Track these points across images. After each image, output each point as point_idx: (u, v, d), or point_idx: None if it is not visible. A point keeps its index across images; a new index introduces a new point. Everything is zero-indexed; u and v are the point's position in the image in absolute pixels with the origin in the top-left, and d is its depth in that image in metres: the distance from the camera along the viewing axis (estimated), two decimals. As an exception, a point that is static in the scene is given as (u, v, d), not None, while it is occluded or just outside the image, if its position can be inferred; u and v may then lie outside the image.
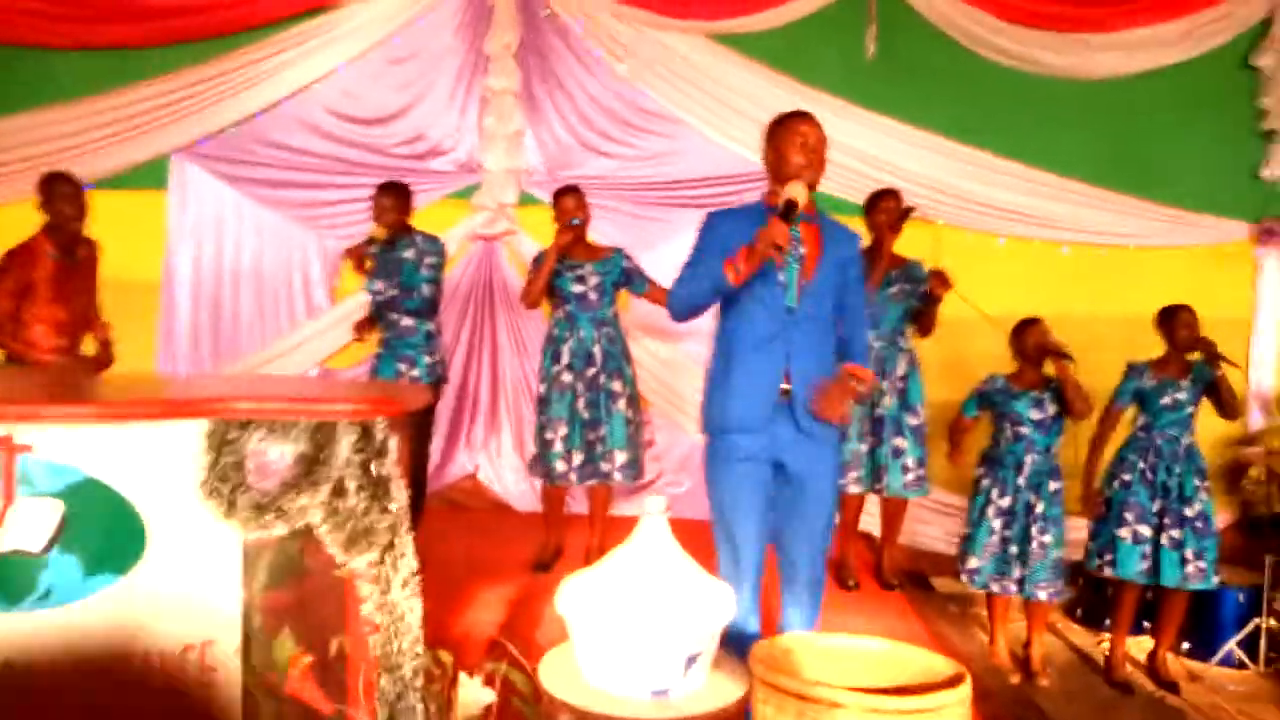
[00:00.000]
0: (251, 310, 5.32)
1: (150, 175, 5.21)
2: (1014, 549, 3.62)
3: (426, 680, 2.10)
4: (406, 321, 4.14)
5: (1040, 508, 3.60)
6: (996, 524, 3.65)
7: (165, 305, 5.27)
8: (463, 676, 2.29)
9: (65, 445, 1.89)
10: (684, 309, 2.56)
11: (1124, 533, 3.70)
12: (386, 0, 5.15)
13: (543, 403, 4.12)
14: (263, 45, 5.15)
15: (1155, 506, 3.69)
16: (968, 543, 3.72)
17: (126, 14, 5.16)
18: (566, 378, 4.04)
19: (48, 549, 1.87)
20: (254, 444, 1.97)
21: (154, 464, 1.94)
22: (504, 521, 5.11)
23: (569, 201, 4.09)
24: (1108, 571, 3.74)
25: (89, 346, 4.08)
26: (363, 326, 4.19)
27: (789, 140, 2.52)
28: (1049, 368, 3.60)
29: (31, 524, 1.87)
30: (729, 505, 2.50)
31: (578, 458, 4.03)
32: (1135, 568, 3.68)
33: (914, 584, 4.41)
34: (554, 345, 4.10)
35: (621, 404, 4.06)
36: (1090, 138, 5.17)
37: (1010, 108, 5.15)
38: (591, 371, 4.05)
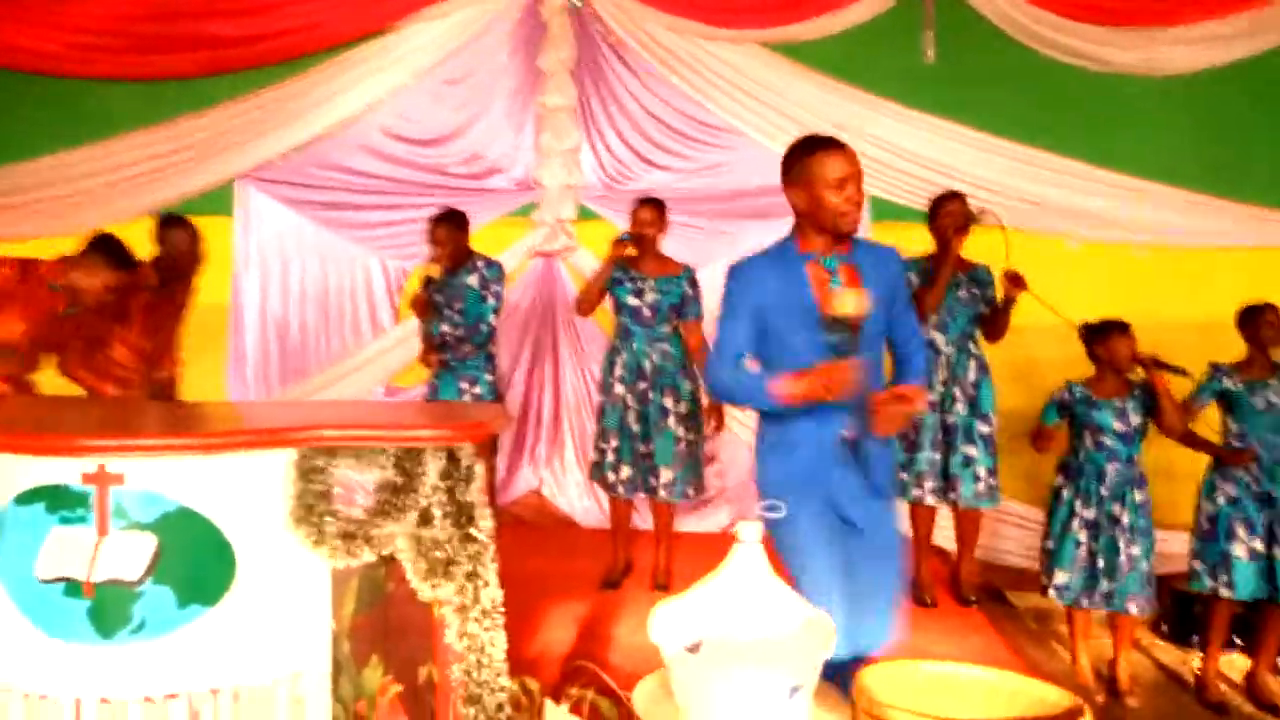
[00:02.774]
0: (317, 331, 5.39)
1: (216, 201, 5.29)
2: (1101, 562, 3.50)
3: (514, 708, 2.08)
4: (468, 346, 4.14)
5: (1126, 519, 3.48)
6: (1082, 536, 3.53)
7: (234, 327, 5.35)
8: (549, 704, 2.26)
9: (157, 476, 1.89)
10: (721, 394, 2.46)
11: (1238, 550, 3.52)
12: (442, 22, 5.18)
13: (599, 412, 4.21)
14: (320, 70, 5.21)
15: (1264, 519, 3.54)
16: (1052, 557, 3.59)
17: (187, 44, 5.25)
18: (619, 390, 4.07)
19: (142, 580, 1.87)
20: (341, 472, 1.96)
21: (243, 493, 1.94)
22: (570, 538, 5.09)
23: (644, 213, 4.07)
24: (1224, 592, 3.54)
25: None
26: (430, 358, 4.19)
27: (822, 179, 2.23)
28: (1134, 374, 3.49)
29: (126, 555, 1.87)
30: (804, 566, 2.29)
31: (626, 470, 4.06)
32: (1253, 586, 3.50)
33: (991, 599, 4.31)
34: (611, 356, 4.15)
35: (672, 421, 4.04)
36: (1161, 135, 5.01)
37: (1076, 107, 5.02)
38: (643, 386, 4.05)
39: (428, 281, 4.11)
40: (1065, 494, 3.60)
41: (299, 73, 5.21)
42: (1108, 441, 3.53)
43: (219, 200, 5.31)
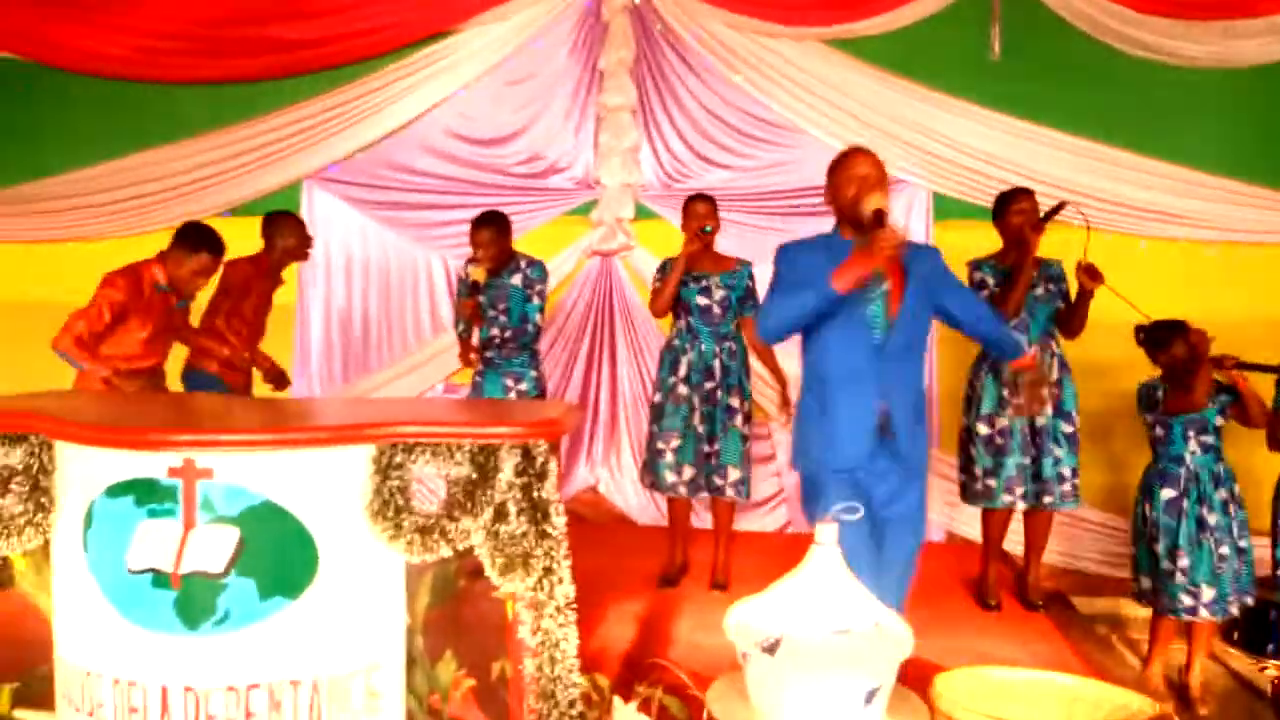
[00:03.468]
0: (380, 327, 5.47)
1: (283, 201, 5.37)
2: (1177, 564, 3.41)
3: (585, 704, 2.09)
4: (515, 346, 4.15)
5: (1213, 520, 3.39)
6: (1209, 542, 3.43)
7: (300, 324, 5.45)
8: (617, 702, 2.27)
9: (242, 470, 1.93)
10: (776, 327, 2.58)
11: None
12: (503, 24, 5.22)
13: (656, 412, 4.12)
14: (385, 73, 5.29)
15: None
16: (1185, 570, 3.44)
17: (253, 48, 5.36)
18: (683, 390, 4.02)
19: (226, 572, 1.91)
20: (419, 468, 1.99)
21: (324, 488, 1.98)
22: (626, 535, 5.10)
23: (700, 207, 4.04)
24: None
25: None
26: (470, 356, 4.20)
27: (845, 177, 2.57)
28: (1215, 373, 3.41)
29: (211, 547, 1.92)
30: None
31: (688, 471, 4.01)
32: None
33: (1057, 604, 4.23)
34: (673, 355, 4.09)
35: (739, 420, 4.01)
36: (1235, 130, 4.89)
37: (1147, 102, 4.91)
38: (710, 385, 4.01)
39: (474, 286, 4.07)
40: (1180, 501, 3.48)
41: (363, 75, 5.29)
42: (1206, 439, 3.45)
43: (286, 201, 5.39)
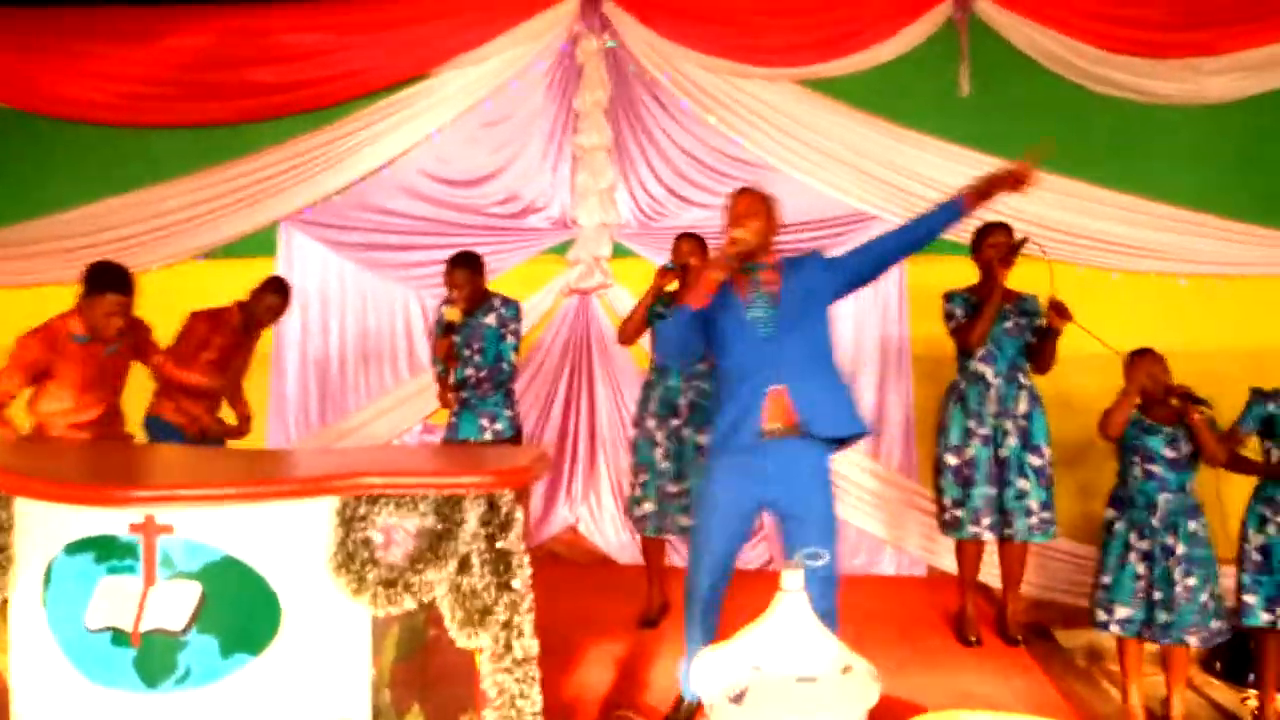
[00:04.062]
0: (357, 369, 5.45)
1: (259, 244, 5.40)
2: (1157, 594, 3.41)
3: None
4: (489, 385, 4.14)
5: (1181, 549, 3.40)
6: (1140, 569, 3.44)
7: (275, 368, 5.43)
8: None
9: (202, 525, 1.92)
10: (662, 345, 3.13)
11: None
12: (479, 67, 5.26)
13: (633, 448, 4.22)
14: (361, 116, 5.30)
15: None
16: (1111, 591, 3.49)
17: (232, 92, 5.38)
18: (650, 424, 4.07)
19: (187, 629, 1.89)
20: (382, 519, 1.98)
21: (287, 542, 1.96)
22: (606, 575, 5.06)
23: (686, 245, 4.07)
24: None
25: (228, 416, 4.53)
26: (447, 397, 4.18)
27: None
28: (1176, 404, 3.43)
29: (171, 604, 1.90)
30: (704, 519, 2.90)
31: (649, 505, 4.06)
32: None
33: (1037, 637, 4.22)
34: (646, 391, 4.16)
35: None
36: (1203, 165, 4.94)
37: (1116, 137, 4.97)
38: (675, 423, 4.04)
39: (449, 326, 4.06)
40: (1118, 526, 3.52)
41: (339, 118, 5.31)
42: (1158, 470, 3.46)
43: (262, 243, 5.42)
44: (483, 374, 4.09)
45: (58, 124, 5.49)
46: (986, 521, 3.93)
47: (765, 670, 1.78)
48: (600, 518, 5.34)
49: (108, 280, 3.64)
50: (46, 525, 1.98)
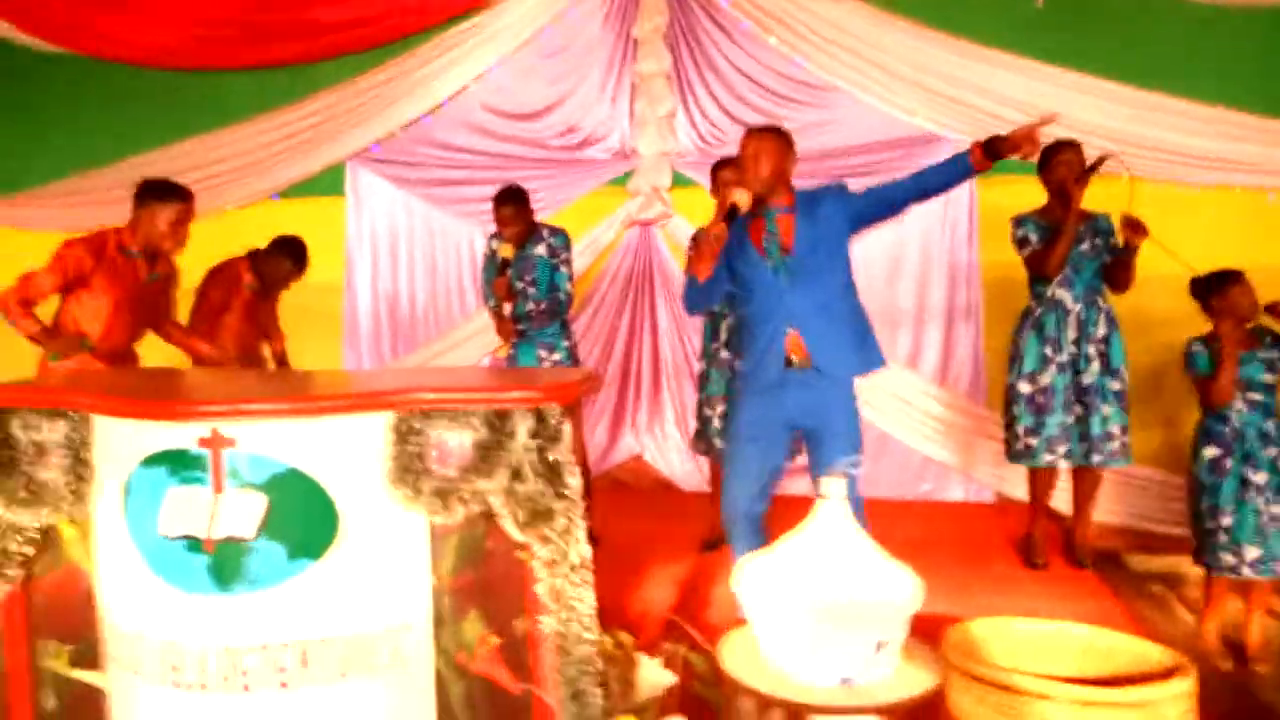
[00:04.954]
0: (426, 304, 5.57)
1: (328, 182, 5.50)
2: (1229, 521, 3.31)
3: (607, 662, 2.12)
4: (548, 317, 4.17)
5: (1260, 479, 3.29)
6: (1259, 503, 3.32)
7: (348, 303, 5.59)
8: (642, 658, 2.31)
9: (266, 439, 2.00)
10: (689, 304, 3.10)
11: None
12: (535, -4, 5.24)
13: (703, 379, 4.20)
14: (420, 51, 5.35)
15: None
16: (1236, 532, 3.34)
17: (294, 31, 5.45)
18: (725, 355, 4.05)
19: (256, 536, 1.98)
20: (436, 433, 2.03)
21: (345, 454, 2.03)
22: (671, 501, 5.14)
23: (727, 174, 4.02)
24: None
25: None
26: (506, 330, 4.21)
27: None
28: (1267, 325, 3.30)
29: (241, 513, 1.99)
30: (736, 445, 3.01)
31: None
32: None
33: (1107, 562, 4.15)
34: (714, 322, 4.13)
35: None
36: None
37: (1196, 46, 4.72)
38: None
39: (503, 264, 4.09)
40: (1228, 463, 3.38)
41: (400, 54, 5.36)
42: (1259, 398, 3.34)
43: (331, 181, 5.52)
44: (541, 306, 4.13)
45: (123, 69, 5.62)
46: (1063, 449, 3.84)
47: (806, 578, 1.80)
48: (665, 446, 5.40)
49: (166, 189, 3.56)
50: (123, 441, 2.08)
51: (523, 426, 2.01)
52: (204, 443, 2.00)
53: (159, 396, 2.15)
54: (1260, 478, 3.32)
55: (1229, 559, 3.35)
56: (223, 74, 5.57)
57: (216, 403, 2.05)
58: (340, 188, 5.54)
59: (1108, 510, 4.53)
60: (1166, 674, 1.63)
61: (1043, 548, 3.99)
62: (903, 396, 5.05)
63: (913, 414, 5.01)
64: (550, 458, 2.01)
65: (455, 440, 2.04)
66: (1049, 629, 1.90)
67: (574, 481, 2.03)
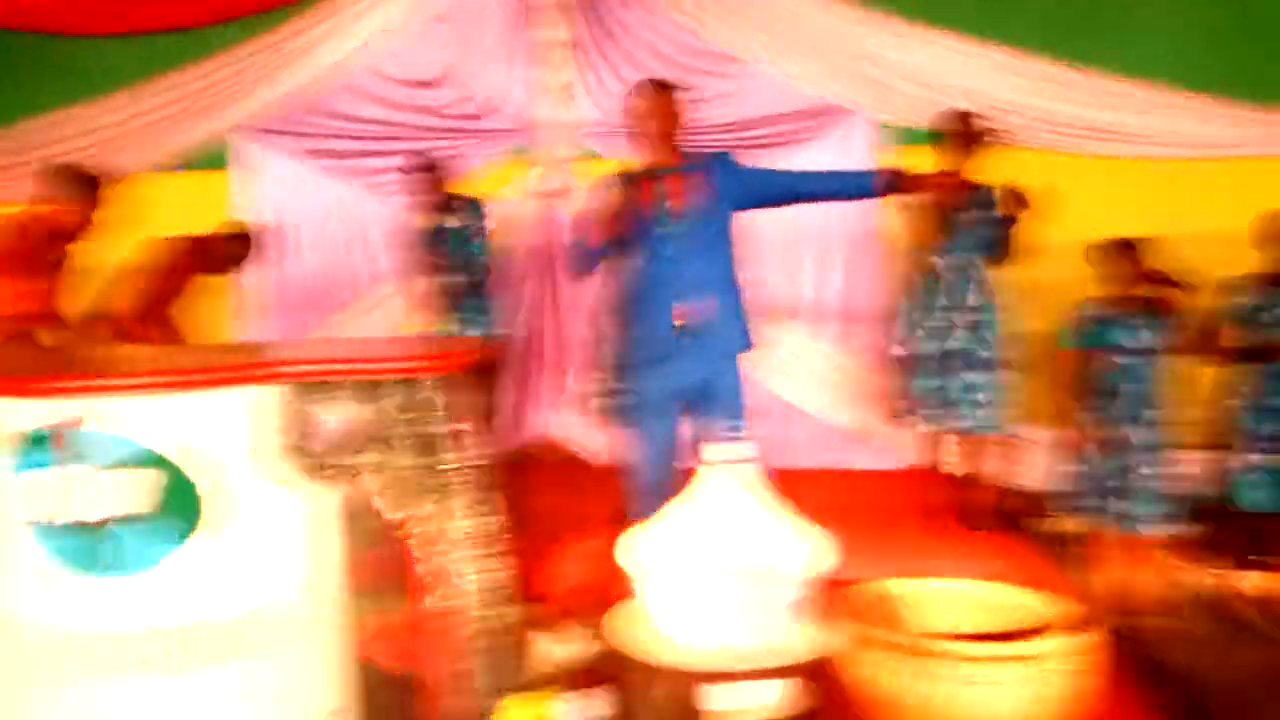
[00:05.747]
0: (318, 280, 5.37)
1: (210, 155, 5.26)
2: (1113, 483, 3.42)
3: (501, 638, 2.06)
4: (465, 286, 4.09)
5: (1137, 438, 3.39)
6: (1097, 457, 3.45)
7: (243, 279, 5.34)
8: (538, 635, 2.25)
9: (121, 418, 1.87)
10: (574, 267, 3.20)
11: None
12: (429, -44, 5.07)
13: (603, 351, 4.12)
14: (310, 14, 5.12)
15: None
16: (1071, 479, 3.52)
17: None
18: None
19: (108, 521, 1.86)
20: (305, 406, 1.93)
21: (205, 433, 1.92)
22: (580, 476, 5.08)
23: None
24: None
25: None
26: (431, 304, 4.12)
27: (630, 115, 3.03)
28: (1146, 291, 3.39)
29: (95, 496, 1.87)
30: (635, 415, 3.06)
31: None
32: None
33: (1002, 525, 4.24)
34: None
35: None
36: (1181, 41, 4.77)
37: (1086, 14, 4.80)
38: None
39: (418, 235, 4.02)
40: (1080, 416, 3.50)
41: (285, 20, 5.14)
42: (1122, 360, 3.43)
43: (213, 154, 5.28)
44: (459, 278, 4.03)
45: (4, 34, 5.28)
46: (926, 413, 3.92)
47: (692, 545, 1.75)
48: (571, 422, 5.33)
49: (85, 180, 3.62)
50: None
51: (390, 400, 1.92)
52: (49, 424, 1.86)
53: (12, 375, 2.00)
54: (1137, 436, 3.42)
55: (1106, 517, 3.50)
56: (106, 39, 5.26)
57: (60, 379, 1.91)
58: (222, 161, 5.30)
59: (1007, 473, 4.62)
60: (1064, 628, 1.63)
61: (939, 512, 4.06)
62: (810, 364, 5.08)
63: (810, 378, 5.06)
64: (421, 430, 1.93)
65: (326, 413, 1.94)
66: (951, 588, 1.90)
67: (448, 455, 1.95)
